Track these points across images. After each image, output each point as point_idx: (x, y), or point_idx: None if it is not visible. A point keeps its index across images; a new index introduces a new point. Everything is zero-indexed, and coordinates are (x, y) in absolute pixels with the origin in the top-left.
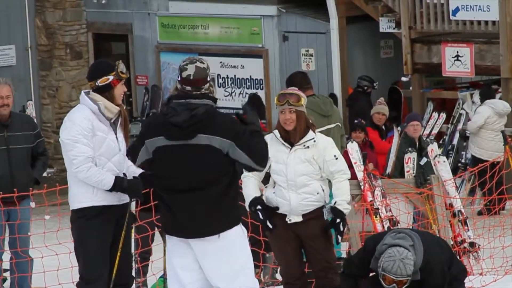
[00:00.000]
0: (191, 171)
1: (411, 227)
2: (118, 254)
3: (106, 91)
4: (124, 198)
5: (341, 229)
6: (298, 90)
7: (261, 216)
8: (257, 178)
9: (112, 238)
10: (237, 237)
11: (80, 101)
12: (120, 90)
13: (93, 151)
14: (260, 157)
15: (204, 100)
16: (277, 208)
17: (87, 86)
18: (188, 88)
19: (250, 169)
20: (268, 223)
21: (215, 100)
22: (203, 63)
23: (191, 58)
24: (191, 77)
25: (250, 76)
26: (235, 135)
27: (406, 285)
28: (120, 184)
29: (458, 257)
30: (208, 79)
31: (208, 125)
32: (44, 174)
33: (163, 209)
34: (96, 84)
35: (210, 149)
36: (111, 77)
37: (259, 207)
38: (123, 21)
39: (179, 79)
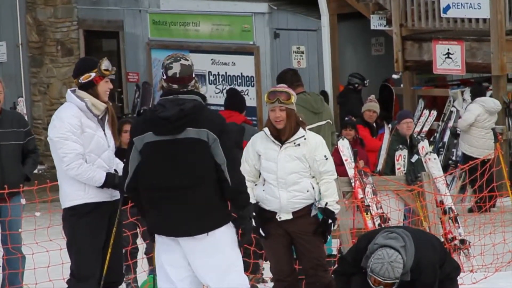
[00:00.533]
0: (181, 167)
1: (402, 225)
2: (109, 251)
3: (89, 88)
4: (115, 195)
5: (332, 228)
6: (288, 87)
7: (254, 224)
8: (253, 180)
9: (105, 235)
10: (226, 235)
11: (67, 99)
12: (104, 87)
13: (83, 148)
14: (235, 169)
15: (192, 95)
16: (270, 216)
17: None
18: (175, 86)
19: (220, 177)
20: (261, 231)
21: (203, 96)
22: (187, 60)
23: (174, 55)
24: (177, 75)
25: (241, 73)
26: (221, 131)
27: (393, 287)
28: (111, 181)
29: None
30: (193, 76)
31: (197, 119)
32: (35, 171)
33: (149, 209)
34: (79, 81)
35: (198, 143)
36: (93, 74)
37: (253, 214)
38: (114, 18)
39: (165, 77)
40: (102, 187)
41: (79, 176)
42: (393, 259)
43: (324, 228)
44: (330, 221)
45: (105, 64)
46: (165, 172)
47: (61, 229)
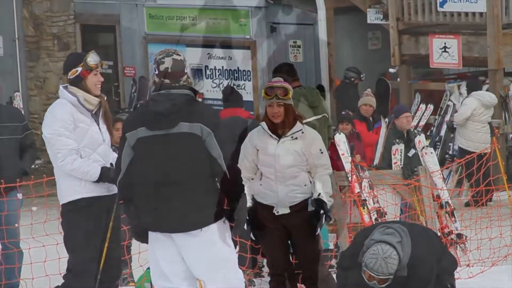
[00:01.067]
0: (174, 162)
1: (399, 219)
2: (106, 245)
3: (78, 83)
4: (113, 189)
5: (323, 221)
6: (284, 81)
7: (245, 227)
8: (252, 176)
9: (103, 229)
10: (220, 230)
11: (59, 95)
12: (92, 80)
13: (77, 143)
14: (231, 161)
15: (184, 90)
16: (263, 226)
17: None
18: (167, 81)
19: (217, 170)
20: (252, 235)
21: (195, 91)
22: (180, 55)
23: (166, 50)
24: (169, 70)
25: (238, 68)
26: (216, 125)
27: (387, 283)
28: (106, 175)
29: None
30: (186, 71)
31: (190, 113)
32: (32, 166)
33: (143, 205)
34: (68, 77)
35: (191, 137)
36: (79, 69)
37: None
38: (110, 12)
39: (157, 72)
40: (97, 181)
41: (73, 172)
42: (388, 255)
43: (316, 218)
44: (322, 211)
45: (91, 56)
46: (159, 167)
47: (58, 224)
